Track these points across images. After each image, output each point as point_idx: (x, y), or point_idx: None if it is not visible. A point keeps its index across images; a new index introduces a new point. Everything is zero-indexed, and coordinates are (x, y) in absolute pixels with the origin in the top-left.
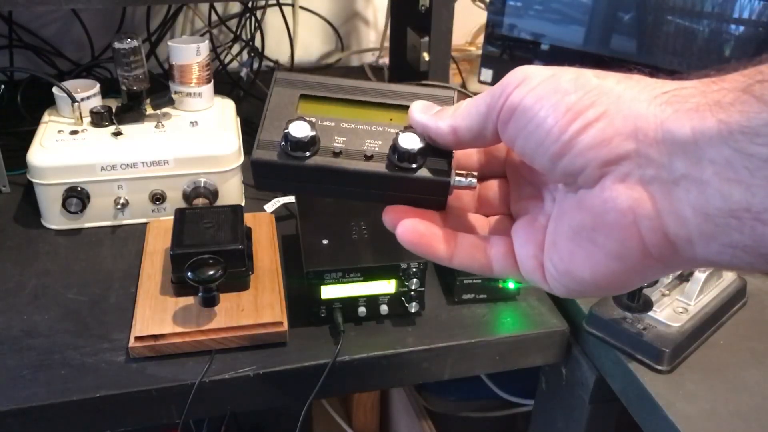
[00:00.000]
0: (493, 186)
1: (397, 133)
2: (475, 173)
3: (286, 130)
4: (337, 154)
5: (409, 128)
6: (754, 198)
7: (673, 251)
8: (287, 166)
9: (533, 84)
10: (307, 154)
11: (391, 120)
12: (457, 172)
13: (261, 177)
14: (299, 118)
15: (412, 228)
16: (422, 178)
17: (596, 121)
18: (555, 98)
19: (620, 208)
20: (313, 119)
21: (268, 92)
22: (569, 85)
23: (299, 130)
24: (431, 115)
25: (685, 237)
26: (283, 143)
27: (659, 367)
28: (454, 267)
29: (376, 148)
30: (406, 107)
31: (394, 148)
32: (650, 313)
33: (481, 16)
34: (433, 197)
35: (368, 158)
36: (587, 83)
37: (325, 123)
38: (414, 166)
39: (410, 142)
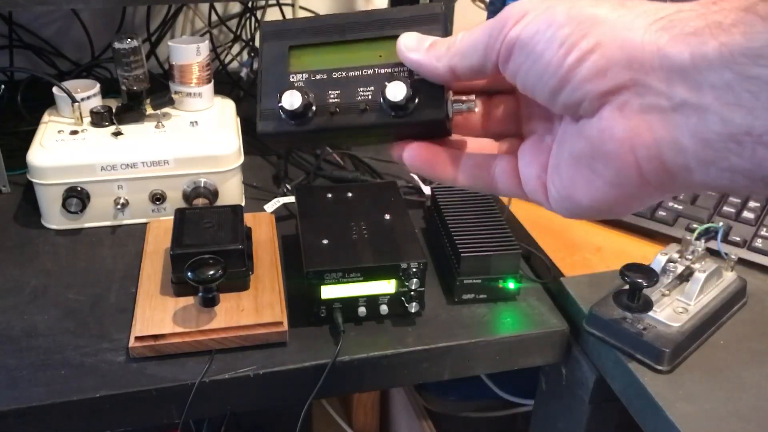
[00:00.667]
0: (500, 103)
1: (385, 84)
2: (473, 97)
3: (280, 104)
4: (333, 114)
5: (396, 67)
6: (756, 121)
7: (671, 178)
8: (289, 133)
9: (529, 19)
10: (305, 119)
11: (380, 57)
12: (454, 98)
13: (271, 142)
14: (290, 86)
15: (417, 153)
16: (417, 121)
17: (590, 52)
18: (550, 32)
19: (617, 138)
20: (305, 75)
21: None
22: (563, 17)
23: (291, 101)
24: (425, 51)
25: (682, 164)
26: (281, 113)
27: (659, 367)
28: (459, 185)
29: (369, 97)
30: (394, 37)
31: (383, 97)
32: (650, 313)
33: (481, 16)
34: (434, 131)
35: (363, 111)
36: (580, 13)
37: (317, 77)
38: (406, 112)
39: (397, 92)
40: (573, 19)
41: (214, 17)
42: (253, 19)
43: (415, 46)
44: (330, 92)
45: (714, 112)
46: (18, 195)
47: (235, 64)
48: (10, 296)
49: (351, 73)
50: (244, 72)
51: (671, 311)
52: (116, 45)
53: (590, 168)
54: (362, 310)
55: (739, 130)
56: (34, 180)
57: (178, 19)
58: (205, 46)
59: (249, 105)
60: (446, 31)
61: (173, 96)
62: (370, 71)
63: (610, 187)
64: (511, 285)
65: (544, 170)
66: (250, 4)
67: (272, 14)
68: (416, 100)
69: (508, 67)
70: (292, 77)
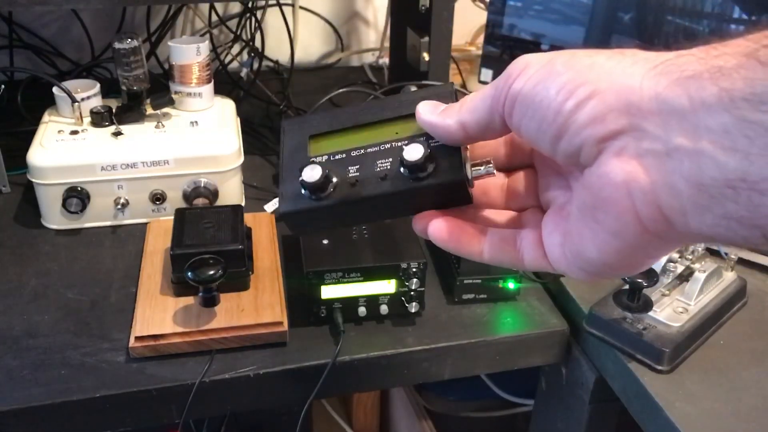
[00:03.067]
0: (520, 177)
1: (402, 147)
2: (490, 161)
3: (300, 178)
4: (353, 185)
5: (413, 138)
6: (752, 166)
7: (668, 224)
8: (312, 209)
9: (531, 72)
10: (326, 193)
11: (397, 133)
12: (472, 163)
13: (294, 226)
14: (310, 162)
15: (442, 226)
16: (437, 183)
17: (588, 99)
18: (549, 81)
19: (614, 182)
20: (325, 157)
21: (280, 142)
22: (561, 67)
23: (311, 174)
24: (438, 114)
25: (678, 209)
26: (302, 190)
27: (659, 367)
28: (486, 262)
29: (388, 167)
30: (408, 116)
31: (401, 162)
32: (650, 313)
33: (481, 16)
34: (455, 195)
35: (383, 179)
36: (578, 62)
37: (337, 157)
38: (425, 174)
39: (414, 152)
40: (571, 68)
41: (214, 17)
42: (253, 19)
43: (430, 110)
44: (349, 168)
45: (709, 156)
46: (18, 195)
47: (235, 64)
48: (10, 296)
49: (369, 150)
50: (244, 72)
51: (671, 311)
52: (116, 45)
53: (594, 218)
54: (362, 310)
55: (734, 176)
56: (34, 180)
57: (178, 19)
58: (205, 46)
59: (249, 105)
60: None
61: (173, 96)
62: (388, 145)
63: (612, 236)
64: (511, 285)
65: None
66: (250, 4)
67: (272, 14)
68: (435, 164)
69: (513, 119)
70: (313, 159)
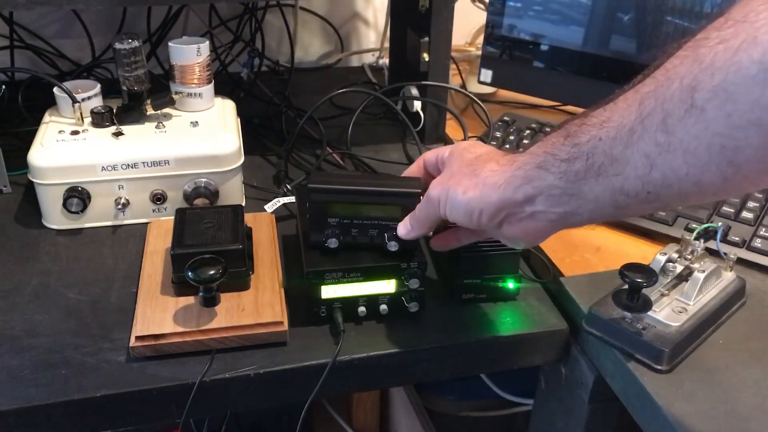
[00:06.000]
0: None
1: (386, 237)
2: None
3: (325, 243)
4: (351, 241)
5: (393, 223)
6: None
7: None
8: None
9: (450, 204)
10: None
11: (384, 213)
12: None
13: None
14: (331, 232)
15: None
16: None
17: (484, 212)
18: (460, 209)
19: (511, 236)
20: (337, 220)
21: (305, 198)
22: (462, 197)
23: (331, 243)
24: (405, 231)
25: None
26: (324, 246)
27: (658, 367)
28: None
29: (375, 234)
30: (391, 205)
31: (384, 243)
32: (649, 313)
33: (481, 17)
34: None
35: (371, 241)
36: (472, 186)
37: (344, 221)
38: (393, 254)
39: (392, 245)
40: (468, 192)
41: (214, 18)
42: (253, 19)
43: (402, 231)
44: (352, 230)
45: (542, 202)
46: (19, 195)
47: (235, 65)
48: (10, 296)
49: (365, 221)
50: (244, 72)
51: (670, 311)
52: (117, 45)
53: (512, 242)
54: (362, 310)
55: (569, 212)
56: (34, 180)
57: (178, 19)
58: (205, 46)
59: (249, 105)
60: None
61: (174, 96)
62: (377, 221)
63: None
64: (511, 285)
65: None
66: (250, 5)
67: (272, 15)
68: (399, 248)
69: (449, 218)
70: (330, 220)
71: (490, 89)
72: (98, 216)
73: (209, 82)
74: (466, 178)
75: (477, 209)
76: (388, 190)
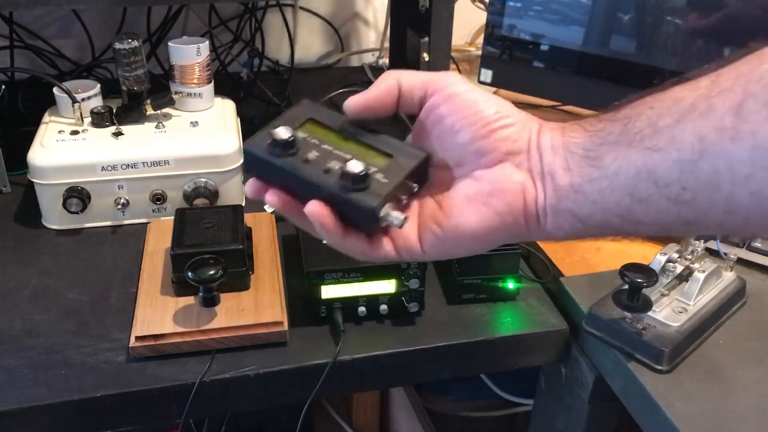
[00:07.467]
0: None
1: (351, 158)
2: (404, 217)
3: (272, 130)
4: (305, 162)
5: (370, 164)
6: (573, 177)
7: (535, 219)
8: (264, 160)
9: (471, 84)
10: (282, 154)
11: (365, 157)
12: (392, 211)
13: (247, 164)
14: (290, 126)
15: (280, 199)
16: (351, 199)
17: (512, 125)
18: (490, 99)
19: (516, 180)
20: (305, 135)
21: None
22: (497, 98)
23: (281, 133)
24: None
25: (542, 210)
26: (267, 141)
27: (658, 367)
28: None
29: (337, 167)
30: (383, 152)
31: (342, 168)
32: (649, 313)
33: (481, 17)
34: (361, 222)
35: (326, 172)
36: (506, 103)
37: (312, 140)
38: (351, 188)
39: (355, 167)
40: (505, 103)
41: (214, 18)
42: (253, 19)
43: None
44: (313, 151)
45: (558, 173)
46: (18, 195)
47: (235, 65)
48: (10, 296)
49: (335, 151)
50: (244, 72)
51: (670, 311)
52: (117, 45)
53: (484, 202)
54: (362, 310)
55: (566, 183)
56: (34, 180)
57: (178, 19)
58: (205, 46)
59: (249, 105)
60: (418, 167)
61: (173, 96)
62: (349, 155)
63: (495, 215)
64: (511, 285)
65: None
66: (250, 5)
67: (272, 14)
68: (365, 188)
69: (442, 108)
70: (295, 130)
71: (490, 89)
72: (98, 216)
73: (209, 82)
74: None
75: (512, 120)
76: (394, 145)
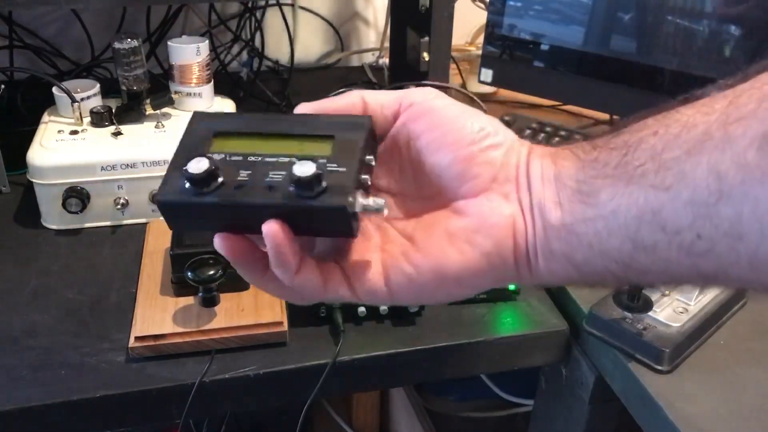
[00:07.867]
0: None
1: (294, 161)
2: (383, 201)
3: (185, 168)
4: (238, 187)
5: (314, 158)
6: (564, 215)
7: (526, 260)
8: (189, 204)
9: (448, 100)
10: (207, 190)
11: (301, 150)
12: (365, 198)
13: (171, 219)
14: (201, 155)
15: (229, 242)
16: (319, 206)
17: (499, 146)
18: (472, 114)
19: (503, 214)
20: (221, 156)
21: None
22: (480, 113)
23: (197, 166)
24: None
25: (532, 250)
26: (183, 182)
27: (659, 367)
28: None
29: (280, 179)
30: (320, 137)
31: (290, 176)
32: (650, 313)
33: (481, 16)
34: (338, 225)
35: (269, 189)
36: (495, 121)
37: (232, 159)
38: (311, 194)
39: (305, 169)
40: (491, 120)
41: (214, 17)
42: (253, 19)
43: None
44: (241, 172)
45: (547, 208)
46: (18, 195)
47: (234, 64)
48: (10, 296)
49: (267, 159)
50: (243, 72)
51: (671, 311)
52: (116, 45)
53: (467, 240)
54: (362, 310)
55: (558, 222)
56: (34, 180)
57: (178, 19)
58: (204, 46)
59: (249, 105)
60: (368, 138)
61: (173, 96)
62: (287, 159)
63: (482, 256)
64: (511, 285)
65: (385, 265)
66: (250, 5)
67: (272, 14)
68: (325, 187)
69: (417, 124)
70: (208, 155)
71: (490, 89)
72: (97, 216)
73: (209, 82)
74: None
75: (499, 139)
76: (325, 122)
